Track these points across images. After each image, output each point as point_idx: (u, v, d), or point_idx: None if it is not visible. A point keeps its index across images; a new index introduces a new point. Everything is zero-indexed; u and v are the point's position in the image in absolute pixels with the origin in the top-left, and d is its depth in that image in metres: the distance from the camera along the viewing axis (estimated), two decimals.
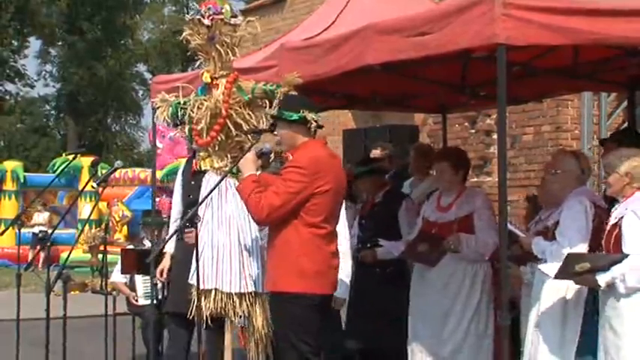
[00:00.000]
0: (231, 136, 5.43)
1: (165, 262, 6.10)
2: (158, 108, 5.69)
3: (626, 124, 7.89)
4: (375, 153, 7.68)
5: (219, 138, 5.42)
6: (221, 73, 5.44)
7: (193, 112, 5.46)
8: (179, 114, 5.58)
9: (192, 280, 5.26)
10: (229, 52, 5.42)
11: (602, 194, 5.51)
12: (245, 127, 5.40)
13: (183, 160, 6.54)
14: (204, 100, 5.45)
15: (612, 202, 4.81)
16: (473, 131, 11.55)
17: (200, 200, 5.02)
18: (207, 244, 5.24)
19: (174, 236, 5.78)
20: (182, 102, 5.61)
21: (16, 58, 41.12)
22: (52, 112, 44.75)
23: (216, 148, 5.46)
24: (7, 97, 41.70)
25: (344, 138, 13.48)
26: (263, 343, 5.33)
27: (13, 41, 39.61)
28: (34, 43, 42.98)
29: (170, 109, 5.63)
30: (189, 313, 5.26)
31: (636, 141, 5.99)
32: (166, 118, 5.63)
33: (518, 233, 5.02)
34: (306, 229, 4.76)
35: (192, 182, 5.84)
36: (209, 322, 5.21)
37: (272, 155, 5.39)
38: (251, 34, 5.48)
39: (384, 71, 5.25)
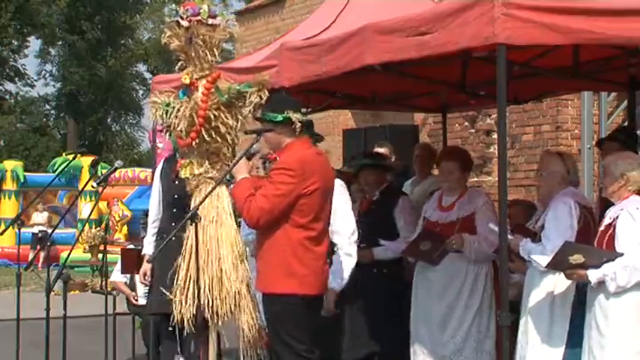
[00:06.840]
0: (209, 141, 5.37)
1: (146, 265, 6.13)
2: (151, 109, 5.68)
3: (625, 124, 7.89)
4: (379, 150, 7.66)
5: (197, 140, 5.37)
6: (200, 74, 5.40)
7: (176, 115, 5.44)
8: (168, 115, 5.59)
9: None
10: (208, 53, 5.40)
11: (598, 194, 5.50)
12: (222, 130, 5.36)
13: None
14: (186, 102, 5.42)
15: (607, 203, 4.81)
16: (473, 131, 11.55)
17: (196, 204, 5.00)
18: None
19: (153, 238, 6.01)
20: (171, 104, 5.59)
21: (16, 58, 41.10)
22: (52, 111, 44.68)
23: (195, 153, 5.43)
24: (7, 96, 41.66)
25: (344, 138, 13.46)
26: (251, 342, 5.33)
27: (13, 41, 39.53)
28: (34, 43, 42.96)
29: (160, 110, 5.62)
30: (172, 316, 5.31)
31: (635, 139, 6.00)
32: (159, 118, 5.62)
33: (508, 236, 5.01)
34: (296, 231, 4.73)
35: (177, 182, 5.83)
36: (195, 323, 5.24)
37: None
38: (230, 33, 5.45)
39: (384, 71, 5.25)
